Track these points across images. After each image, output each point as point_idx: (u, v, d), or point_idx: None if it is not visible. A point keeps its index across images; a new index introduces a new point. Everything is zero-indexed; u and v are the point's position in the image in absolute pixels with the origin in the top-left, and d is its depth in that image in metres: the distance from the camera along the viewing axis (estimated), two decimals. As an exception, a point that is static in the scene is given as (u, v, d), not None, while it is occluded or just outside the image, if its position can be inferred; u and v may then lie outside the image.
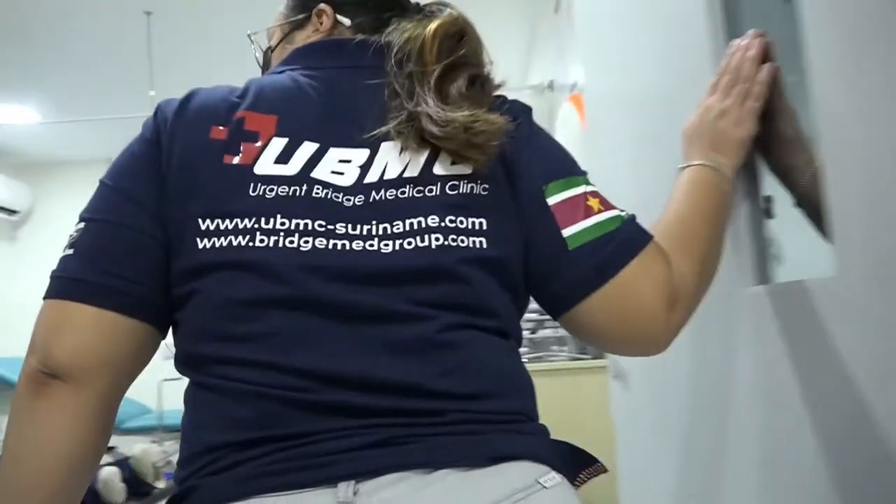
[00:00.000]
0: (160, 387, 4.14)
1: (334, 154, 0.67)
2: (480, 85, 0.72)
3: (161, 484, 3.30)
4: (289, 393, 0.58)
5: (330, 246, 0.62)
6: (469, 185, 0.66)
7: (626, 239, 0.68)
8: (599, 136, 1.49)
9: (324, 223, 0.63)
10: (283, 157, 0.66)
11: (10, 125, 4.73)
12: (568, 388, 2.30)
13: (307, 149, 0.67)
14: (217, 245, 0.62)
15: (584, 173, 0.73)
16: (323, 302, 0.60)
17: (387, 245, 0.63)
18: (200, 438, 0.60)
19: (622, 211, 0.71)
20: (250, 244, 0.61)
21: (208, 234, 0.63)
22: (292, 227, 0.62)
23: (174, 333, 0.68)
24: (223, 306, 0.61)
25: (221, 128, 0.67)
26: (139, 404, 4.76)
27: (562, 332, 2.51)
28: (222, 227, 0.63)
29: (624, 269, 0.67)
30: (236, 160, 0.66)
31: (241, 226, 0.62)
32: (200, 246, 0.63)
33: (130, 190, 0.67)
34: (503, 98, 0.75)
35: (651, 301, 0.68)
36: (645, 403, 1.30)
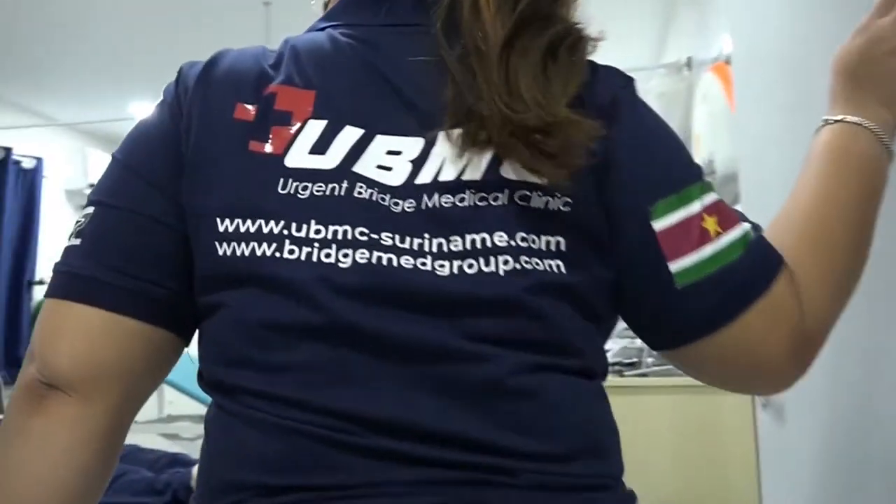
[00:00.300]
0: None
1: (381, 143, 0.55)
2: (568, 49, 0.55)
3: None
4: (327, 433, 0.49)
5: (374, 260, 0.51)
6: (545, 199, 0.54)
7: (748, 278, 0.55)
8: (749, 110, 1.27)
9: (366, 231, 0.52)
10: (321, 146, 0.55)
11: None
12: (701, 408, 2.00)
13: (349, 135, 0.55)
14: (239, 253, 0.52)
15: (699, 176, 0.57)
16: (365, 333, 0.50)
17: (442, 266, 0.51)
18: (220, 472, 0.52)
19: (746, 225, 0.56)
20: (277, 255, 0.51)
21: (227, 236, 0.53)
22: (329, 237, 0.52)
23: (199, 343, 0.58)
24: (251, 329, 0.52)
25: (248, 106, 0.56)
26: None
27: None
28: (242, 229, 0.52)
29: (742, 314, 0.54)
30: (264, 148, 0.55)
31: (265, 230, 0.52)
32: (220, 251, 0.53)
33: (145, 168, 0.57)
34: (595, 67, 0.59)
35: (774, 353, 0.56)
36: (807, 444, 1.03)
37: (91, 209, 0.58)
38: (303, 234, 0.52)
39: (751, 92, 1.25)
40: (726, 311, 0.54)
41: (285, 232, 0.52)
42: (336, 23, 0.62)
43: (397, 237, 0.52)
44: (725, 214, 0.56)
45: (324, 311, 0.50)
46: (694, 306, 0.54)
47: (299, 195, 0.53)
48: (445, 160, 0.54)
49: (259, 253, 0.51)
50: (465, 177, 0.53)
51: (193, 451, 4.14)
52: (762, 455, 1.34)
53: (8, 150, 4.30)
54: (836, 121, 0.61)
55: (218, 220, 0.53)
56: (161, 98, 0.60)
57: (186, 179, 0.56)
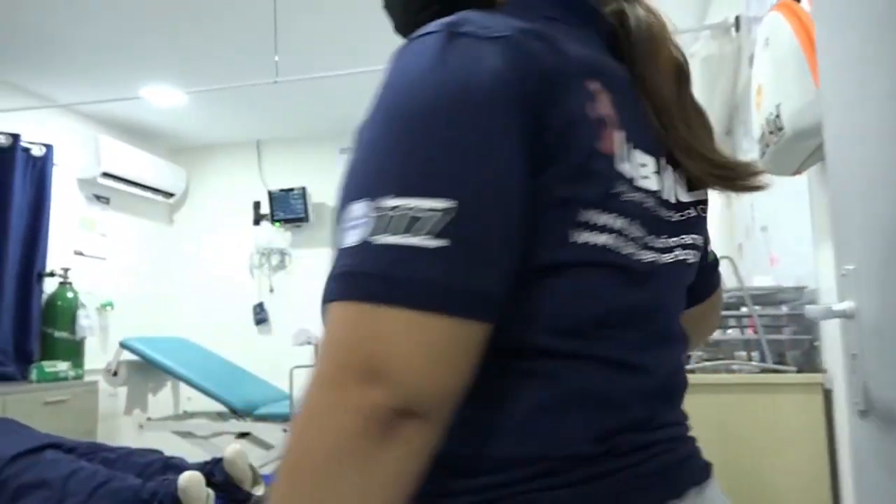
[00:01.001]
0: (291, 374, 4.01)
1: (637, 156, 0.62)
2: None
3: (260, 490, 2.82)
4: (647, 392, 0.61)
5: (664, 259, 0.65)
6: (701, 207, 0.72)
7: (717, 271, 0.88)
8: (834, 60, 1.05)
9: (653, 234, 0.64)
10: (625, 155, 0.60)
11: (160, 108, 4.82)
12: (757, 408, 1.78)
13: (633, 148, 0.62)
14: (591, 243, 0.57)
15: None
16: (661, 310, 0.65)
17: (687, 255, 0.69)
18: (557, 438, 0.56)
19: None
20: (620, 249, 0.59)
21: (580, 226, 0.57)
22: (639, 235, 0.61)
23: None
24: (593, 310, 0.58)
25: (591, 104, 0.58)
26: (277, 389, 4.67)
27: (749, 334, 1.97)
28: (596, 221, 0.57)
29: (716, 290, 0.86)
30: (605, 149, 0.58)
31: (613, 224, 0.58)
32: (572, 239, 0.56)
33: (511, 165, 0.53)
34: None
35: (715, 321, 0.90)
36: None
37: (451, 203, 0.50)
38: (632, 234, 0.60)
39: (834, 36, 1.02)
40: (714, 284, 0.85)
41: (623, 228, 0.59)
42: (553, 17, 0.64)
43: (663, 238, 0.65)
44: None
45: (650, 293, 0.62)
46: (706, 279, 0.81)
47: (621, 198, 0.59)
48: (670, 182, 0.67)
49: (610, 245, 0.57)
50: (681, 198, 0.69)
51: (207, 448, 4.00)
52: (856, 467, 1.11)
53: (16, 137, 4.16)
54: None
55: (577, 210, 0.56)
56: (502, 80, 0.53)
57: (553, 169, 0.55)
